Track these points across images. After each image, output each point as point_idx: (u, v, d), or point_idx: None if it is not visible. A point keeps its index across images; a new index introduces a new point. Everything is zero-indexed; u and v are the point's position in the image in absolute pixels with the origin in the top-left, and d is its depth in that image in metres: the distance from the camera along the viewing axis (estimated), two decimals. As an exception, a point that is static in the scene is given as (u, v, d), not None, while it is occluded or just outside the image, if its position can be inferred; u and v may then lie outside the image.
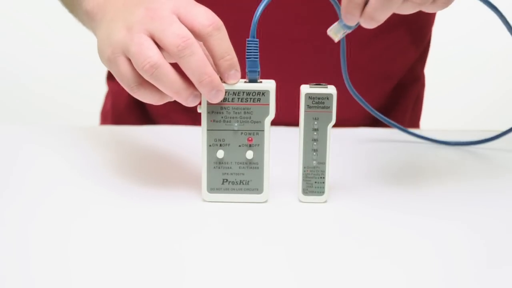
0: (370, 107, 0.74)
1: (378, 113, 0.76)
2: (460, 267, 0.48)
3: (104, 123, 0.97)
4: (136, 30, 0.52)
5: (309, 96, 0.56)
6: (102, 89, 1.03)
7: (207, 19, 0.52)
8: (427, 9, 0.52)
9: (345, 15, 0.53)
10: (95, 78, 1.30)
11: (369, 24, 0.52)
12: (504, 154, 0.75)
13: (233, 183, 0.58)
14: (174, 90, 0.52)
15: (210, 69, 0.52)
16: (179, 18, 0.52)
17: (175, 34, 0.51)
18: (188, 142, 0.74)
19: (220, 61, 0.53)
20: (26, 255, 0.48)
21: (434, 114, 1.23)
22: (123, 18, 0.54)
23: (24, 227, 0.53)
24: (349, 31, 0.55)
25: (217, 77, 0.53)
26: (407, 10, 0.51)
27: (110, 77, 0.98)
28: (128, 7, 0.55)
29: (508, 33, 0.61)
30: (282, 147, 0.66)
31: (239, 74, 0.54)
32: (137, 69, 0.52)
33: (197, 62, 0.51)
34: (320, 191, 0.58)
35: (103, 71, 0.99)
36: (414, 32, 0.86)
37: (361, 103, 0.71)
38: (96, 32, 0.59)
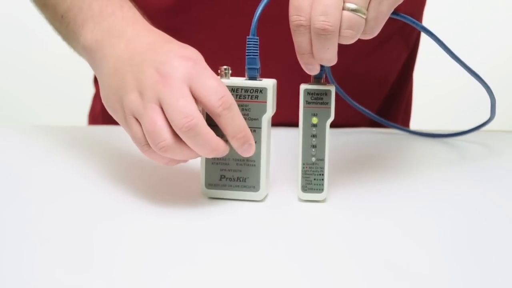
0: (364, 108, 0.75)
1: (369, 112, 0.76)
2: (462, 269, 0.48)
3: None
4: (148, 98, 0.52)
5: (308, 92, 0.56)
6: (88, 90, 1.02)
7: (218, 99, 0.52)
8: (362, 37, 0.52)
9: (306, 68, 0.54)
10: (80, 79, 1.29)
11: (330, 64, 0.53)
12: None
13: (230, 179, 0.57)
14: (184, 161, 0.55)
15: (215, 145, 0.53)
16: (190, 89, 0.52)
17: (180, 113, 0.51)
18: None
19: (233, 139, 0.54)
20: (23, 258, 0.47)
21: (423, 113, 1.24)
22: (134, 76, 0.53)
23: (20, 232, 0.52)
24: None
25: (222, 147, 0.54)
26: (344, 42, 0.51)
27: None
28: (136, 61, 0.54)
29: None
30: (282, 147, 0.66)
31: (253, 146, 0.55)
32: (149, 144, 0.53)
33: (201, 142, 0.52)
34: (319, 188, 0.57)
35: (89, 73, 0.98)
36: (405, 36, 0.87)
37: (353, 105, 0.72)
38: (97, 72, 0.59)
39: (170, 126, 0.52)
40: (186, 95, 0.52)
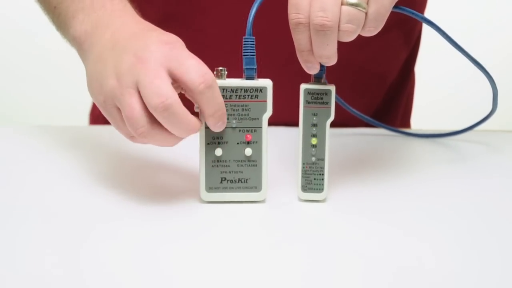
0: (355, 111, 0.75)
1: (363, 115, 0.76)
2: (466, 265, 0.48)
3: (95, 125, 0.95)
4: (125, 83, 0.52)
5: (308, 92, 0.56)
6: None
7: (198, 76, 0.51)
8: (362, 33, 0.52)
9: (306, 67, 0.54)
10: (81, 79, 1.29)
11: (329, 62, 0.53)
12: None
13: (231, 181, 0.57)
14: (165, 146, 0.55)
15: (189, 126, 0.52)
16: (170, 71, 0.52)
17: (154, 93, 0.50)
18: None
19: (210, 117, 0.54)
20: (23, 257, 0.47)
21: (424, 111, 1.23)
22: (113, 64, 0.53)
23: (21, 231, 0.52)
24: None
25: (198, 125, 0.53)
26: (345, 39, 0.51)
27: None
28: (117, 49, 0.55)
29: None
30: (282, 146, 0.65)
31: (224, 124, 0.55)
32: (130, 130, 0.53)
33: (177, 122, 0.52)
34: (319, 188, 0.57)
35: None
36: (406, 32, 0.87)
37: (345, 108, 0.72)
38: (84, 62, 0.59)
39: (147, 111, 0.51)
40: (162, 76, 0.51)
